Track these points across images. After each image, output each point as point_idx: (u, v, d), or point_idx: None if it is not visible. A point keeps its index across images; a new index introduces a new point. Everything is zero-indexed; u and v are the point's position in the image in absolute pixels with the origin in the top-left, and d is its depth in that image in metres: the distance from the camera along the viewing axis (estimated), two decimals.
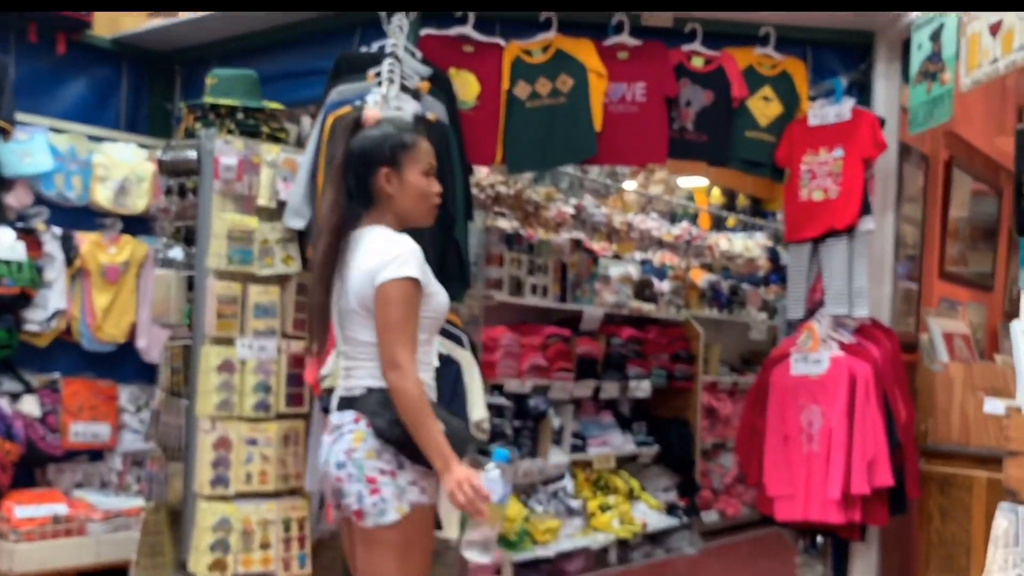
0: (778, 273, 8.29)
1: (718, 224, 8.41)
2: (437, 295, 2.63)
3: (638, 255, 7.65)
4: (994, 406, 3.96)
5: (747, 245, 7.43)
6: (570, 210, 5.41)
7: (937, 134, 4.89)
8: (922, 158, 4.77)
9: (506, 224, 5.29)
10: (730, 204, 9.03)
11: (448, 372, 3.81)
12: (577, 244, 5.77)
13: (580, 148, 4.10)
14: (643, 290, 6.45)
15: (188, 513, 3.72)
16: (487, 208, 4.87)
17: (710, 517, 6.83)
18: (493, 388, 5.11)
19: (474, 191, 4.85)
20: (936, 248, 5.01)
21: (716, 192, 10.73)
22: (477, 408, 3.85)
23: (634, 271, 6.78)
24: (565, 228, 5.45)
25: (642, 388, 6.17)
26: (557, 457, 5.45)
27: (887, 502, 3.89)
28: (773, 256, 8.01)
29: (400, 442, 2.47)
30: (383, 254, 2.52)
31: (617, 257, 7.24)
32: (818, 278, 4.19)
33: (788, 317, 4.27)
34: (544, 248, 5.43)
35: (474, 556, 2.53)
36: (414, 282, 2.50)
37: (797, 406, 4.08)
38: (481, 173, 4.98)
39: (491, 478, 2.48)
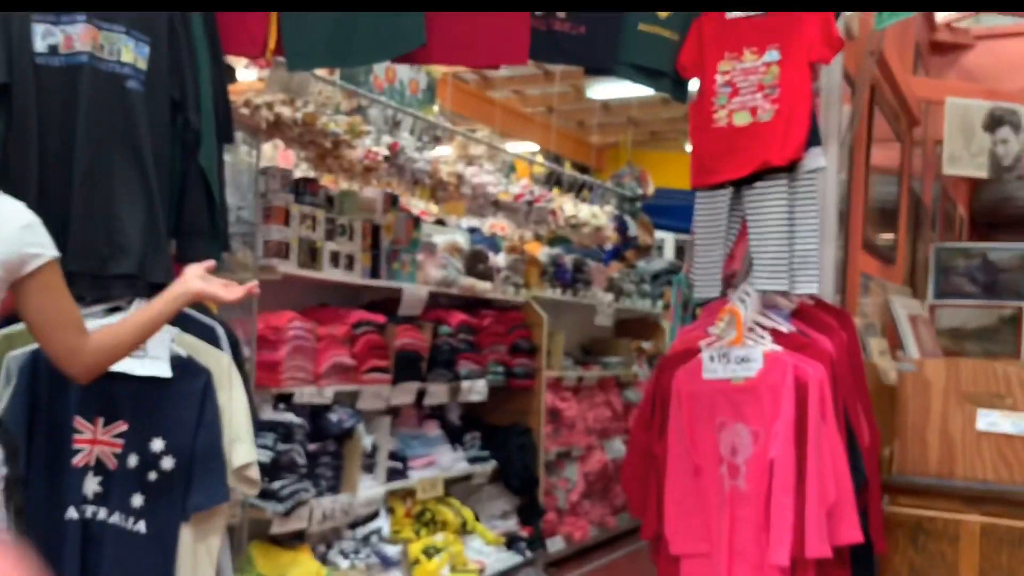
0: (627, 245, 7.18)
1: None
2: None
3: (463, 222, 6.35)
4: (992, 421, 2.89)
5: (594, 212, 6.23)
6: (383, 151, 3.99)
7: (865, 52, 3.79)
8: (848, 81, 3.66)
9: (291, 163, 3.83)
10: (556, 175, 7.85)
11: (191, 387, 2.37)
12: (393, 200, 4.37)
13: (399, 36, 2.72)
14: (476, 264, 5.12)
15: None
16: (258, 135, 3.37)
17: (555, 544, 5.61)
18: (278, 399, 3.66)
19: (243, 111, 3.37)
20: (861, 206, 3.93)
21: (539, 161, 9.58)
22: (241, 446, 2.42)
23: (462, 240, 5.45)
24: (375, 176, 4.03)
25: (477, 390, 4.86)
26: (369, 489, 4.06)
27: (849, 563, 2.73)
28: (621, 226, 6.86)
29: None
30: None
31: (440, 222, 5.89)
32: (740, 240, 2.99)
33: (697, 295, 3.04)
34: (348, 202, 4.00)
35: None
36: None
37: (713, 424, 2.88)
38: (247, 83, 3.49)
39: None
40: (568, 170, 9.07)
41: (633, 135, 11.49)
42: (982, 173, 5.20)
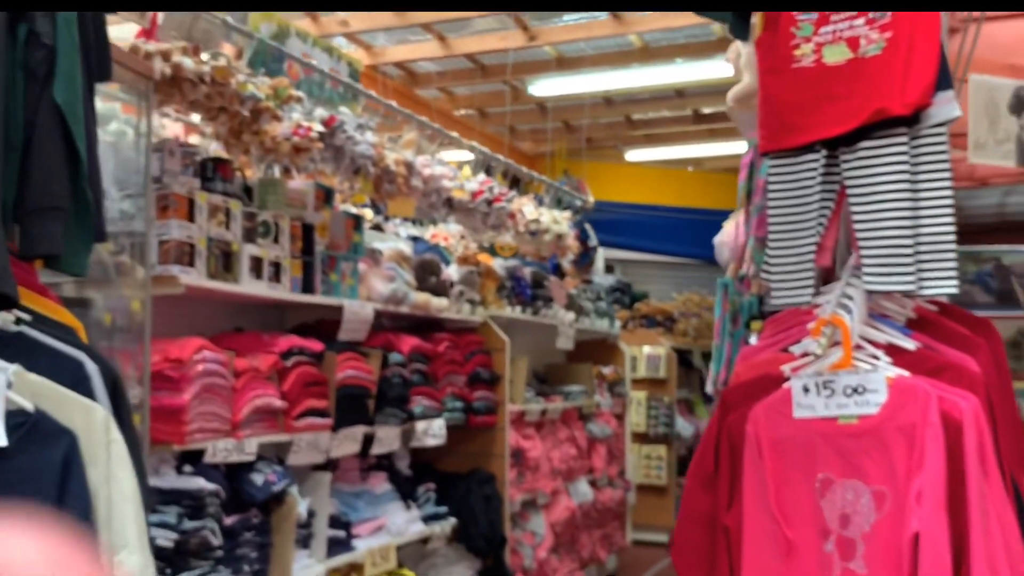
0: (586, 256, 6.41)
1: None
2: None
3: (402, 229, 5.49)
4: None
5: (555, 217, 5.44)
6: (317, 126, 3.12)
7: None
8: None
9: (196, 135, 2.94)
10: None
11: (43, 461, 1.47)
12: (327, 194, 3.50)
13: None
14: (427, 277, 4.27)
15: None
16: (149, 95, 2.46)
17: None
18: (183, 459, 2.74)
19: (124, 61, 2.46)
20: None
21: (466, 171, 8.91)
22: (129, 555, 1.54)
23: (406, 248, 4.59)
24: (305, 159, 3.16)
25: (433, 432, 3.99)
26: (306, 569, 3.16)
27: None
28: (583, 234, 6.09)
29: None
30: None
31: (377, 228, 5.02)
32: (831, 223, 2.21)
33: (777, 301, 2.24)
34: (272, 194, 3.11)
35: None
36: None
37: (812, 483, 2.10)
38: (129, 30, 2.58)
39: None
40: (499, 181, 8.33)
41: (567, 142, 10.80)
42: (1009, 162, 4.56)
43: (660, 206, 11.28)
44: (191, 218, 2.70)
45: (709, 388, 2.84)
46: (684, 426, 8.38)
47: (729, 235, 3.28)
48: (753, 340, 2.70)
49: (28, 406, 1.49)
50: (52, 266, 1.66)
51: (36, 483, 1.48)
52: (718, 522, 2.23)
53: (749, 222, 2.63)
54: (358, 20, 6.83)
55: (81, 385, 1.57)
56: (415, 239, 5.15)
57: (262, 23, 5.36)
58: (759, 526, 2.13)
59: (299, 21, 6.58)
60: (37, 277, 1.71)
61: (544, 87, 8.14)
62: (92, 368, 1.60)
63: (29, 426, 1.49)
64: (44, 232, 1.60)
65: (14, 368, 1.50)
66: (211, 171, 2.85)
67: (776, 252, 2.23)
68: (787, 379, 2.14)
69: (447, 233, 5.79)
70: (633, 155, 10.78)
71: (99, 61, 1.75)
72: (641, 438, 8.05)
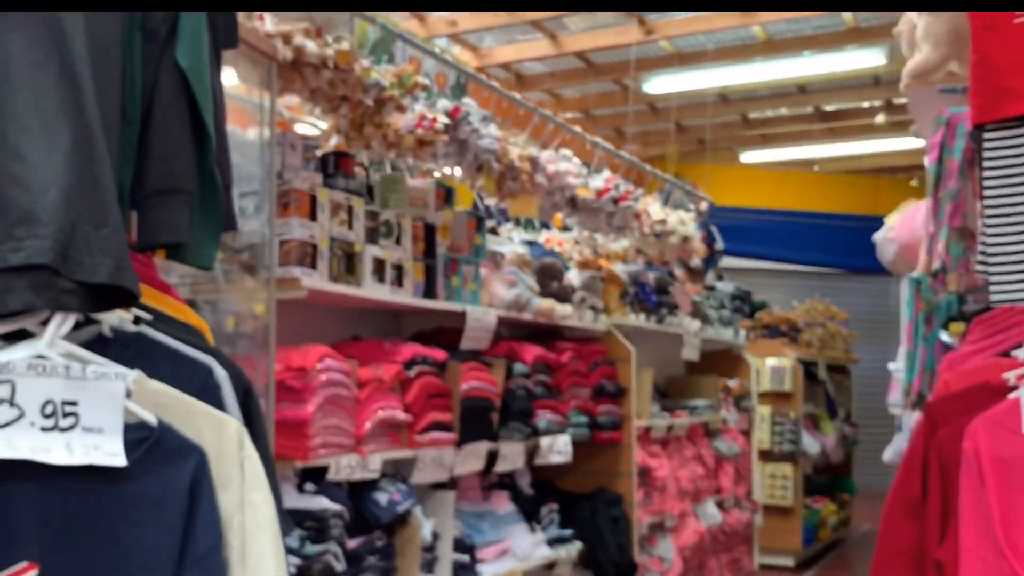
0: (712, 259, 6.10)
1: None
2: None
3: (515, 234, 5.27)
4: None
5: (682, 218, 5.15)
6: (442, 118, 2.92)
7: None
8: None
9: (318, 131, 2.76)
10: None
11: (168, 484, 1.25)
12: (448, 193, 3.30)
13: None
14: (548, 282, 4.04)
15: None
16: (271, 81, 2.28)
17: None
18: (303, 477, 2.55)
19: (246, 38, 2.29)
20: None
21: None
22: (262, 571, 1.30)
23: (523, 251, 4.37)
24: (429, 153, 2.95)
25: (559, 448, 3.76)
26: None
27: None
28: (710, 236, 5.79)
29: None
30: None
31: (492, 232, 4.81)
32: None
33: (999, 297, 1.94)
34: (395, 192, 2.92)
35: None
36: None
37: None
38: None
39: None
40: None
41: (679, 144, 10.47)
42: None
43: (779, 210, 10.86)
44: (312, 216, 2.52)
45: (896, 399, 2.54)
46: (810, 443, 7.96)
47: (898, 230, 2.98)
48: (946, 340, 2.40)
49: (150, 419, 1.30)
50: (175, 258, 1.47)
51: (159, 510, 1.28)
52: (927, 557, 1.94)
53: (941, 210, 2.34)
54: (467, 20, 6.66)
55: (209, 394, 1.38)
56: (530, 243, 4.93)
57: (369, 24, 5.24)
58: (981, 561, 1.83)
59: (406, 22, 6.44)
60: (157, 271, 1.52)
61: (659, 84, 7.85)
62: (222, 375, 1.40)
63: (151, 442, 1.30)
64: (166, 218, 1.41)
65: (134, 375, 1.30)
66: (332, 166, 2.67)
67: (996, 242, 1.92)
68: (1013, 388, 1.84)
69: (561, 238, 5.57)
70: (748, 156, 10.40)
71: (226, 25, 1.56)
72: (766, 455, 7.66)
